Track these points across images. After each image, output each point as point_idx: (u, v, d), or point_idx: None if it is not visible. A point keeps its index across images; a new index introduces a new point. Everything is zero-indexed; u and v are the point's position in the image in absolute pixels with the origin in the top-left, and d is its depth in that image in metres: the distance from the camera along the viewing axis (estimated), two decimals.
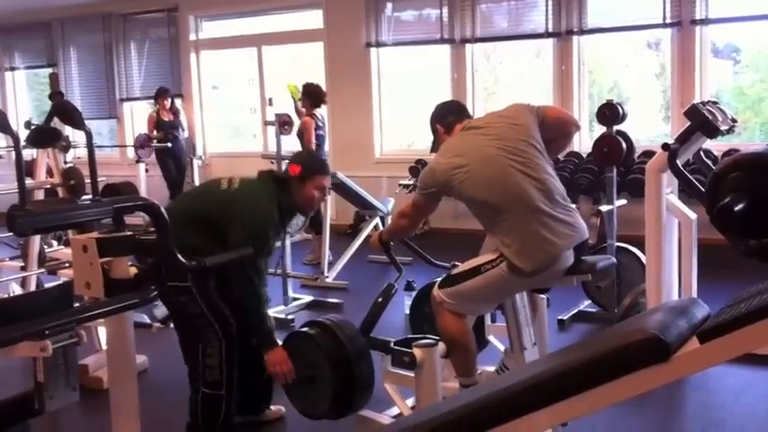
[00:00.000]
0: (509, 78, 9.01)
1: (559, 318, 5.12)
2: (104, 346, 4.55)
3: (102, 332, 4.57)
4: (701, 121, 4.28)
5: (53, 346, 2.30)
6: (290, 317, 5.39)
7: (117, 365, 2.96)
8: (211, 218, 3.32)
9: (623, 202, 5.46)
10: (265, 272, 3.40)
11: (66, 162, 8.64)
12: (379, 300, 3.54)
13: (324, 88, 8.64)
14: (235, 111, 11.03)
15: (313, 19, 9.36)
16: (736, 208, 1.34)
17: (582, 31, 7.88)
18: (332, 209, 8.13)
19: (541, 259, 3.08)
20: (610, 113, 4.99)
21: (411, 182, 7.80)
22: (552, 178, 3.23)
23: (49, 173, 4.93)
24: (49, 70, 11.08)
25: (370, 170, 8.80)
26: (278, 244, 3.65)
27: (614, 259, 3.54)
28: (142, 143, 8.87)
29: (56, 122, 4.93)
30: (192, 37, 10.09)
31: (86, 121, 10.32)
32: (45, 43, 10.98)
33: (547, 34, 8.02)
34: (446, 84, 8.51)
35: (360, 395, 3.26)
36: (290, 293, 5.78)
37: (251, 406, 3.65)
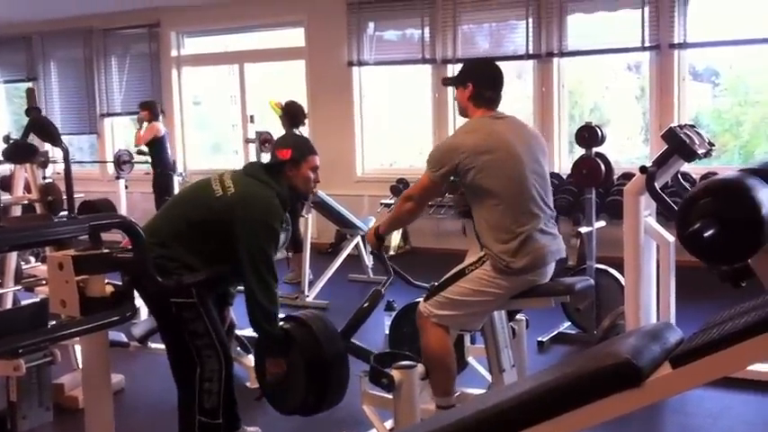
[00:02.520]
0: None
1: (539, 339, 5.12)
2: (80, 365, 4.50)
3: (79, 350, 4.52)
4: (677, 145, 4.33)
5: (27, 365, 2.28)
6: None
7: (92, 385, 2.94)
8: (214, 228, 3.19)
9: (602, 223, 5.50)
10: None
11: (45, 178, 8.63)
12: (365, 305, 3.48)
13: (305, 106, 8.66)
14: (216, 127, 11.02)
15: (295, 37, 9.38)
16: (706, 234, 1.35)
17: (562, 54, 7.96)
18: (313, 227, 8.13)
19: (530, 259, 3.15)
20: (589, 135, 5.04)
21: (392, 201, 7.80)
22: (550, 196, 3.34)
23: (27, 188, 4.89)
24: (29, 84, 11.02)
25: (351, 189, 8.80)
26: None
27: (592, 281, 3.56)
28: (123, 159, 8.83)
29: (34, 138, 4.90)
30: (174, 53, 10.08)
31: (67, 137, 10.34)
32: (25, 57, 10.92)
33: (527, 56, 8.08)
34: (428, 103, 8.55)
35: (331, 395, 3.25)
36: None
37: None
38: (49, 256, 2.84)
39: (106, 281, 2.71)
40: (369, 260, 7.13)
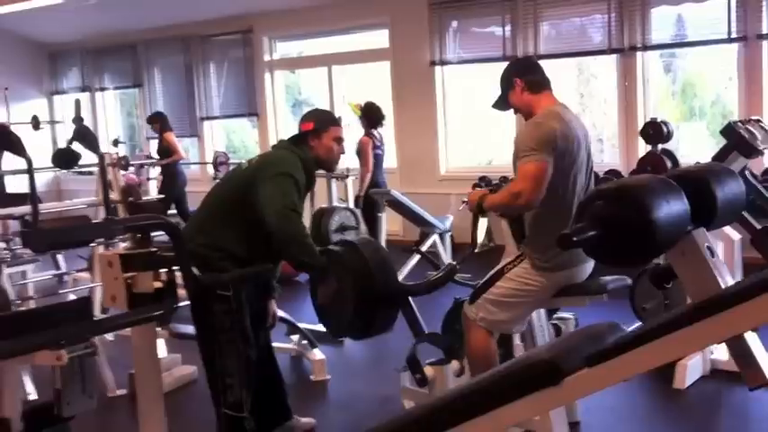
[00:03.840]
0: (572, 95, 8.98)
1: None
2: (162, 356, 4.82)
3: (161, 342, 4.84)
4: (736, 140, 4.24)
5: (69, 355, 2.50)
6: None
7: (143, 373, 3.15)
8: (241, 197, 3.27)
9: None
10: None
11: (149, 179, 9.16)
12: (440, 276, 3.47)
13: (390, 106, 8.85)
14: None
15: (380, 38, 9.56)
16: (576, 238, 1.40)
17: (645, 47, 7.80)
18: (398, 225, 8.30)
19: (567, 256, 3.11)
20: (654, 132, 4.99)
21: None
22: None
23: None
24: (136, 91, 11.68)
25: (435, 187, 8.91)
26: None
27: (628, 280, 3.52)
28: (220, 161, 9.27)
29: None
30: (267, 57, 10.45)
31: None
32: (131, 65, 11.56)
33: (609, 50, 7.97)
34: None
35: (378, 320, 3.25)
36: None
37: (272, 423, 3.64)
38: (99, 255, 3.08)
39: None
40: (446, 258, 7.22)
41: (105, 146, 9.97)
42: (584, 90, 9.04)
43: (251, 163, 3.45)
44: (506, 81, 3.39)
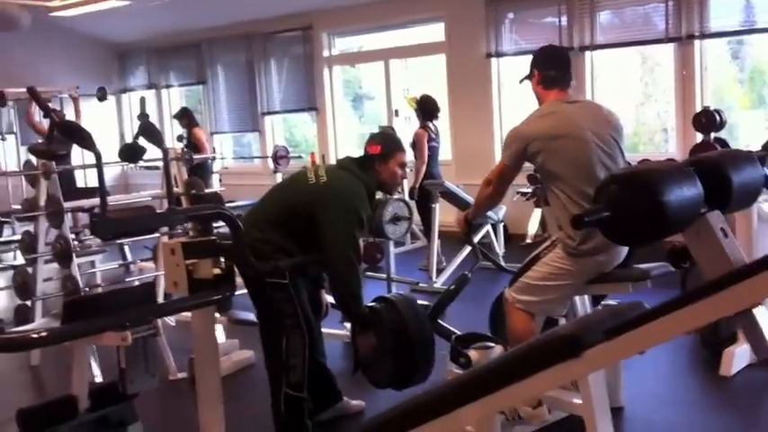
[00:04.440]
0: (636, 84, 8.92)
1: None
2: (221, 341, 5.01)
3: (220, 328, 5.04)
4: None
5: (132, 336, 2.69)
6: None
7: (202, 355, 3.33)
8: (303, 212, 3.43)
9: None
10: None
11: (212, 172, 9.42)
12: (452, 287, 3.74)
13: (446, 99, 8.92)
14: (371, 123, 11.46)
15: (436, 32, 9.64)
16: (588, 219, 1.48)
17: (703, 35, 7.71)
18: (453, 216, 8.36)
19: (597, 242, 3.20)
20: (706, 120, 4.98)
21: (529, 189, 7.89)
22: None
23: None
24: (200, 88, 12.01)
25: None
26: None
27: (671, 266, 3.55)
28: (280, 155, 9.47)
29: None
30: (326, 53, 10.64)
31: (233, 134, 11.16)
32: (195, 63, 11.90)
33: (667, 39, 7.90)
34: None
35: (419, 372, 3.45)
36: None
37: (323, 405, 3.81)
38: (163, 243, 3.26)
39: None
40: (499, 248, 7.29)
41: (170, 142, 10.33)
42: (648, 79, 8.95)
43: (317, 175, 3.54)
44: (531, 66, 3.57)
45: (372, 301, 3.62)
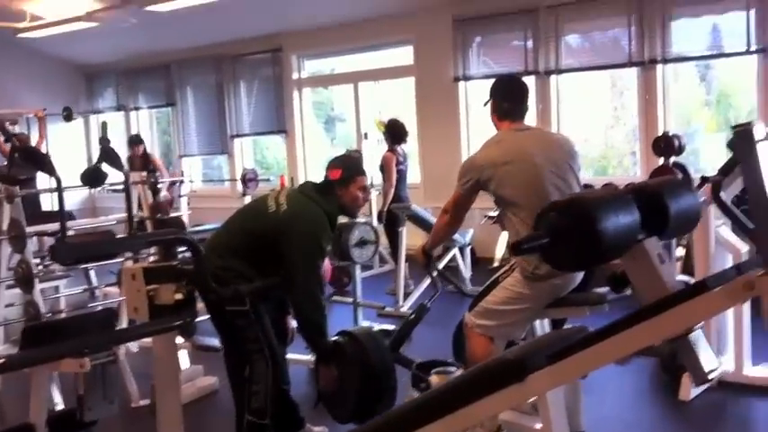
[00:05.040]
0: (607, 107, 9.06)
1: None
2: (185, 367, 4.99)
3: (185, 354, 5.02)
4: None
5: (91, 362, 2.68)
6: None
7: (163, 380, 3.32)
8: (263, 240, 3.45)
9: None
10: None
11: (180, 196, 9.38)
12: (411, 317, 3.79)
13: (414, 122, 8.99)
14: (343, 145, 11.48)
15: (405, 55, 9.74)
16: (526, 245, 1.53)
17: (665, 60, 7.87)
18: (422, 239, 8.39)
19: (540, 265, 3.24)
20: (665, 145, 5.08)
21: (497, 213, 7.94)
22: None
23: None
24: (169, 109, 11.99)
25: None
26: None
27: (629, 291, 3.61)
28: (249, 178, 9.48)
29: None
30: (295, 75, 10.68)
31: (201, 157, 11.17)
32: (165, 84, 11.88)
33: (630, 64, 8.05)
34: (532, 114, 8.64)
35: (381, 404, 3.44)
36: (360, 322, 6.04)
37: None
38: (124, 269, 3.26)
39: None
40: (467, 271, 7.33)
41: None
42: (618, 102, 9.09)
43: (278, 203, 3.54)
44: (489, 94, 3.67)
45: (336, 335, 3.64)
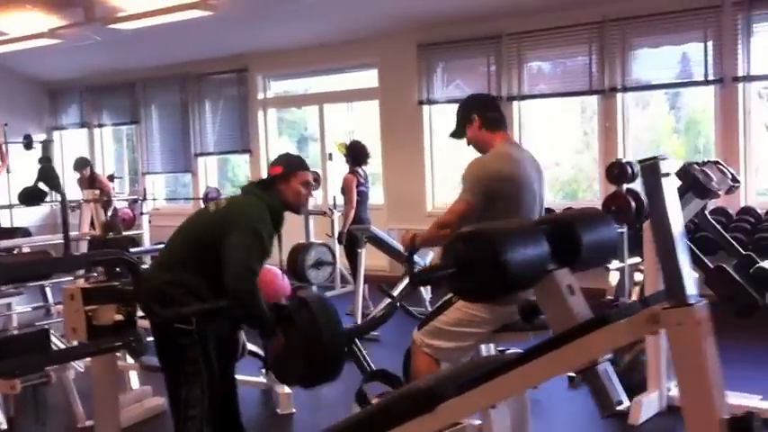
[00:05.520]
0: (577, 132, 9.18)
1: (569, 374, 5.12)
2: (133, 388, 4.94)
3: (134, 374, 4.97)
4: (690, 182, 4.36)
5: (22, 384, 2.64)
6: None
7: (102, 400, 3.29)
8: (207, 241, 3.36)
9: (637, 259, 5.53)
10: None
11: (142, 213, 9.31)
12: (381, 313, 3.71)
13: (378, 144, 9.03)
14: (314, 165, 11.42)
15: (370, 78, 9.79)
16: (430, 275, 1.54)
17: (625, 89, 7.99)
18: (385, 261, 8.42)
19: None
20: (618, 172, 5.14)
21: None
22: None
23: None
24: (133, 127, 11.93)
25: (422, 223, 8.96)
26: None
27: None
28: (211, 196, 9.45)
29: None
30: (261, 96, 10.69)
31: (165, 175, 11.16)
32: (129, 102, 11.81)
33: (591, 92, 8.17)
34: None
35: (326, 373, 3.36)
36: None
37: None
38: (63, 289, 3.23)
39: None
40: (426, 294, 7.34)
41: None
42: (588, 127, 9.18)
43: (218, 206, 3.54)
44: (465, 116, 3.58)
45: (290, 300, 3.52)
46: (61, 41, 9.74)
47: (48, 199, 8.62)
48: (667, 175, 1.43)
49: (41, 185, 4.48)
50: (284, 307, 3.41)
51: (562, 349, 1.41)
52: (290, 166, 3.61)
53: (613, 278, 6.25)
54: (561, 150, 9.22)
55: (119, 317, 3.20)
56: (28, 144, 8.96)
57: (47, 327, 3.47)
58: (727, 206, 7.28)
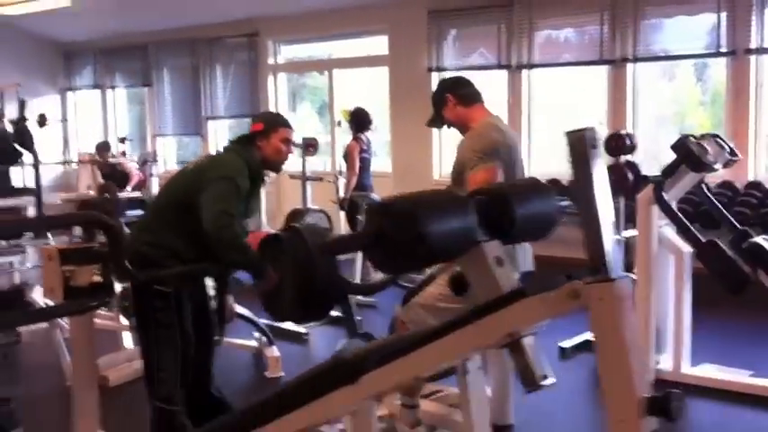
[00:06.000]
0: (566, 101, 9.06)
1: (561, 345, 5.14)
2: (125, 347, 4.99)
3: (127, 335, 5.03)
4: (685, 155, 4.30)
5: None
6: (304, 330, 5.62)
7: (79, 363, 3.29)
8: (186, 199, 3.30)
9: (633, 232, 5.47)
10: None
11: (151, 175, 9.35)
12: (382, 280, 3.62)
13: (387, 111, 8.98)
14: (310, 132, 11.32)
15: (380, 44, 9.70)
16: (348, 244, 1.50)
17: (636, 59, 7.86)
18: None
19: None
20: (617, 144, 5.07)
21: None
22: None
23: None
24: (146, 90, 11.94)
25: None
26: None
27: None
28: None
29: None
30: (271, 61, 10.64)
31: (176, 137, 11.19)
32: (141, 65, 11.80)
33: (601, 61, 8.04)
34: (504, 107, 8.65)
35: (317, 308, 3.31)
36: None
37: (208, 417, 3.56)
38: (41, 249, 3.25)
39: None
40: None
41: (114, 142, 10.26)
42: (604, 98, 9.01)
43: (197, 164, 3.50)
44: (439, 99, 3.60)
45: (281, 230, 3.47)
46: (73, 4, 9.72)
47: (59, 159, 8.63)
48: (595, 147, 1.40)
49: (17, 146, 4.50)
50: (276, 237, 3.33)
51: (480, 322, 1.39)
52: (270, 122, 3.55)
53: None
54: (578, 121, 9.07)
55: (96, 278, 3.19)
56: (41, 122, 8.97)
57: (22, 287, 3.50)
58: (734, 180, 7.19)
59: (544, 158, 8.76)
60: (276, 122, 3.57)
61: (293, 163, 8.29)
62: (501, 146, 3.32)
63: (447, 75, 9.08)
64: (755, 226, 6.57)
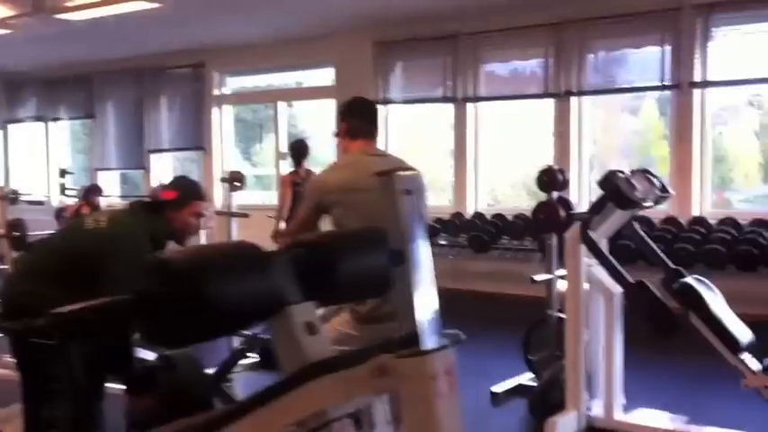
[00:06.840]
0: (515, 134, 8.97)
1: (493, 390, 4.90)
2: None
3: None
4: (611, 191, 4.12)
5: None
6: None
7: None
8: (81, 261, 3.13)
9: (563, 272, 5.28)
10: None
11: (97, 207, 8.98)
12: (240, 348, 3.53)
13: (334, 143, 8.78)
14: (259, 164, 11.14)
15: (326, 77, 9.53)
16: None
17: (580, 92, 7.75)
18: None
19: (392, 305, 3.00)
20: (548, 179, 4.90)
21: None
22: None
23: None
24: (89, 121, 11.64)
25: None
26: None
27: (460, 334, 3.37)
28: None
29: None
30: (216, 92, 10.42)
31: (119, 171, 10.81)
32: (85, 96, 11.48)
33: (546, 95, 7.93)
34: (449, 140, 8.52)
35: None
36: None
37: None
38: None
39: None
40: None
41: (53, 176, 9.95)
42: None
43: (96, 221, 3.28)
44: (338, 118, 3.44)
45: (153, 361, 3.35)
46: (11, 32, 9.43)
47: None
48: (409, 192, 1.18)
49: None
50: (152, 369, 3.19)
51: (276, 402, 1.15)
52: (186, 194, 3.35)
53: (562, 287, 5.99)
54: (523, 153, 8.94)
55: None
56: None
57: None
58: (679, 215, 7.08)
59: (490, 192, 8.63)
60: (191, 195, 3.37)
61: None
62: (334, 189, 3.12)
63: (394, 108, 8.96)
64: (698, 263, 6.46)
